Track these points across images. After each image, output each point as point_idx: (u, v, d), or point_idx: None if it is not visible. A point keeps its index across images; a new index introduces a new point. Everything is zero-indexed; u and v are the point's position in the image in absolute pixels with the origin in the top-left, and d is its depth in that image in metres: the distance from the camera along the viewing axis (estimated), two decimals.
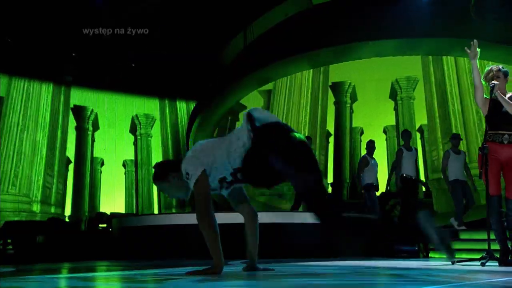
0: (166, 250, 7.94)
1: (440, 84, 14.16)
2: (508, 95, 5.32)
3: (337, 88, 15.26)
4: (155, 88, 15.21)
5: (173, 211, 15.06)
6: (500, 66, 5.46)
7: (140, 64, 13.97)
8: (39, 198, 13.86)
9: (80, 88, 14.83)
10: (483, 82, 5.36)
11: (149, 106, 15.96)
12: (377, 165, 9.80)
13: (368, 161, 9.64)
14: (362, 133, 15.11)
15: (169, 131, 16.15)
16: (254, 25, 13.85)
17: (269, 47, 13.50)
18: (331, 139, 15.01)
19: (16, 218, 12.60)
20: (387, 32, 12.00)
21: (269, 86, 15.36)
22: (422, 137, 14.57)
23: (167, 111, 16.18)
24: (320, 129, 15.10)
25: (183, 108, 16.25)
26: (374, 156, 9.89)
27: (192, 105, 15.75)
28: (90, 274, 4.46)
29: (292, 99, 15.47)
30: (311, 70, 14.99)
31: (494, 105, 5.26)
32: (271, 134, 3.45)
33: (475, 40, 5.33)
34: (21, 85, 14.12)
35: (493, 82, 5.26)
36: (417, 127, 14.48)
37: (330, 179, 14.05)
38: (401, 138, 9.68)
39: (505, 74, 5.41)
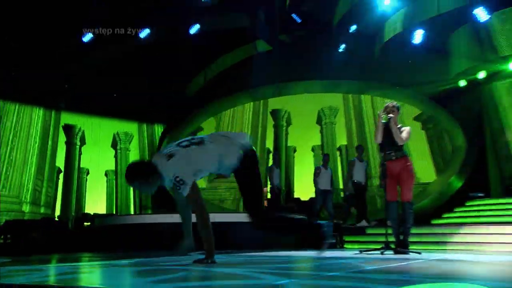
0: (140, 244, 7.85)
1: (358, 111, 14.77)
2: (398, 126, 5.66)
3: (275, 114, 15.74)
4: (134, 114, 15.19)
5: (149, 212, 14.86)
6: (395, 103, 5.76)
7: (121, 94, 13.77)
8: (28, 200, 13.49)
9: (70, 112, 14.65)
10: (383, 116, 5.64)
11: (128, 125, 15.91)
12: (330, 174, 9.84)
13: (319, 171, 9.76)
14: (295, 151, 15.66)
15: (146, 145, 15.98)
16: (212, 66, 14.06)
17: (222, 84, 13.93)
18: (270, 155, 15.31)
19: (5, 218, 11.72)
20: (314, 74, 12.38)
21: None
22: (341, 155, 15.05)
23: (144, 129, 16.08)
24: (261, 147, 15.50)
25: (159, 128, 16.11)
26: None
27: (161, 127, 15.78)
28: (80, 263, 4.39)
29: (235, 121, 15.80)
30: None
31: (388, 133, 5.58)
32: (254, 162, 3.58)
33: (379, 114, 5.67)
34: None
35: (390, 115, 5.58)
36: (337, 146, 15.12)
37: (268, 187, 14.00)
38: (355, 152, 9.93)
39: (398, 109, 5.75)
